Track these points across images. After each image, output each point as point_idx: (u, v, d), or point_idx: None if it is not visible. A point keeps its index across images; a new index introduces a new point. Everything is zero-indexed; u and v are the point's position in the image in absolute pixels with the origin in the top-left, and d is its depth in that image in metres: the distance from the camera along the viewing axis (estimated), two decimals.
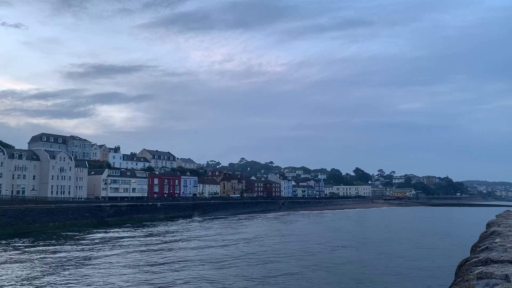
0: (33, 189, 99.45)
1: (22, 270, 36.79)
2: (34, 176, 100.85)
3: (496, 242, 5.79)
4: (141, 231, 73.56)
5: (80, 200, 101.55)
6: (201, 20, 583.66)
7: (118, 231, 72.82)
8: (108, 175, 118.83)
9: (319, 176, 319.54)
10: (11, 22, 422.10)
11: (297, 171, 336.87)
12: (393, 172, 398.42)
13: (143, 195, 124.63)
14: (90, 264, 39.86)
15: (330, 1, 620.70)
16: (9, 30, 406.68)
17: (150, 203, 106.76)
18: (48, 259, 42.99)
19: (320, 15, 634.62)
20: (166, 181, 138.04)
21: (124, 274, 35.10)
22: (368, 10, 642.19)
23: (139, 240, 59.82)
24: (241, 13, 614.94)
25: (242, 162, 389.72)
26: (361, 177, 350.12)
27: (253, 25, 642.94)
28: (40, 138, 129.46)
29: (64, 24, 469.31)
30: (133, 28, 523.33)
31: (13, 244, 54.40)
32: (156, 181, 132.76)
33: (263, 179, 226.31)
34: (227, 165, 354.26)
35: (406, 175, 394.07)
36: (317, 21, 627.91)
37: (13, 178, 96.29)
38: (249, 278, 33.71)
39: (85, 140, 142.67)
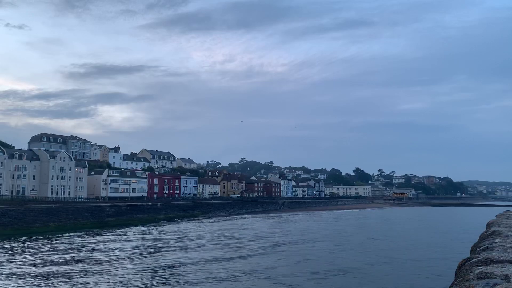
0: (33, 189, 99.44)
1: (19, 271, 36.77)
2: (34, 176, 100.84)
3: (496, 242, 5.79)
4: (141, 232, 73.55)
5: (80, 200, 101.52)
6: (202, 21, 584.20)
7: (118, 232, 72.81)
8: (108, 175, 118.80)
9: (319, 176, 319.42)
10: (15, 23, 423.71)
11: (297, 171, 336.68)
12: (393, 172, 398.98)
13: (143, 195, 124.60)
14: (89, 265, 39.83)
15: (331, 2, 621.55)
16: (13, 31, 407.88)
17: (150, 203, 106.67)
18: (47, 259, 42.97)
19: (321, 16, 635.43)
20: (166, 181, 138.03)
21: (125, 276, 35.08)
22: (369, 10, 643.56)
23: (139, 241, 59.81)
24: (242, 14, 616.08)
25: (242, 162, 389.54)
26: (361, 177, 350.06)
27: (254, 25, 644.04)
28: (40, 138, 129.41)
29: (66, 25, 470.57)
30: (135, 28, 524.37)
31: (12, 245, 54.39)
32: (156, 181, 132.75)
33: (263, 179, 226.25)
34: (227, 165, 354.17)
35: (406, 175, 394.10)
36: (318, 21, 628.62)
37: (13, 178, 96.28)
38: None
39: (85, 140, 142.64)
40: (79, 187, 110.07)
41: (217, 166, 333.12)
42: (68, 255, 45.31)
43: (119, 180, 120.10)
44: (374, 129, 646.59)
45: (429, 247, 52.94)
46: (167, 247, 52.51)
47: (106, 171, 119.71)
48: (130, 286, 31.06)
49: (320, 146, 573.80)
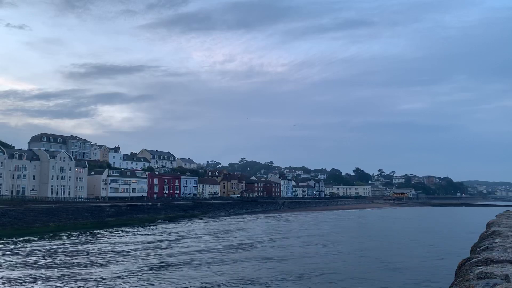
0: (33, 189, 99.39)
1: (18, 272, 36.75)
2: (34, 176, 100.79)
3: (496, 242, 5.79)
4: (142, 232, 73.54)
5: (80, 200, 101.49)
6: (202, 21, 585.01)
7: (118, 232, 72.80)
8: (108, 175, 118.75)
9: (319, 176, 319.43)
10: (15, 23, 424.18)
11: (297, 171, 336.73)
12: (393, 172, 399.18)
13: (143, 195, 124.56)
14: (88, 266, 39.82)
15: (331, 2, 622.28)
16: (13, 31, 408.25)
17: (150, 203, 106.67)
18: (47, 260, 42.96)
19: (321, 16, 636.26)
20: (166, 181, 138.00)
21: (125, 276, 35.07)
22: (369, 10, 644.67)
23: (139, 241, 59.80)
24: (242, 14, 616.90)
25: (242, 162, 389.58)
26: (361, 177, 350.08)
27: (254, 25, 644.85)
28: (40, 138, 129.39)
29: (67, 25, 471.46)
30: (135, 28, 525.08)
31: (12, 245, 54.37)
32: (156, 181, 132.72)
33: (263, 179, 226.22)
34: (227, 165, 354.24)
35: (406, 175, 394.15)
36: (319, 21, 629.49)
37: (13, 178, 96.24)
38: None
39: (85, 140, 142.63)
40: (79, 187, 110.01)
41: (217, 166, 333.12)
42: (68, 256, 45.29)
43: (119, 180, 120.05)
44: (374, 129, 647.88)
45: (429, 247, 52.93)
46: (166, 247, 52.50)
47: (106, 171, 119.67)
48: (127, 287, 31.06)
49: (320, 146, 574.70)
